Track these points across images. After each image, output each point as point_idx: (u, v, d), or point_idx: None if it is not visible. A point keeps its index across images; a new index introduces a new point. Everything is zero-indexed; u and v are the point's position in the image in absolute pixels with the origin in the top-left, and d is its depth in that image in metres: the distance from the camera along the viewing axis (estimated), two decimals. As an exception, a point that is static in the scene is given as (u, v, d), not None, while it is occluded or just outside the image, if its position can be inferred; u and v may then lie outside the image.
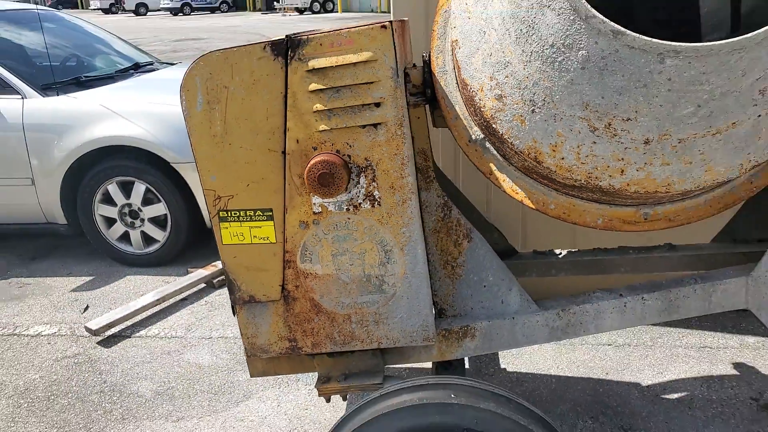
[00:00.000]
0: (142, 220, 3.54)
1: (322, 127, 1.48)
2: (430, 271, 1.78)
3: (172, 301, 3.19)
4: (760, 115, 1.26)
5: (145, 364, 2.64)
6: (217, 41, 16.61)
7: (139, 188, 3.44)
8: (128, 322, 2.98)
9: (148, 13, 36.56)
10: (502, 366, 2.49)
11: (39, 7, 4.43)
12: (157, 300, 3.08)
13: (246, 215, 1.60)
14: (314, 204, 1.56)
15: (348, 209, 1.56)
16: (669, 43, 1.13)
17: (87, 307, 3.17)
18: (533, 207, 1.65)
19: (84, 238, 3.70)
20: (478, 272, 1.78)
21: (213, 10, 35.87)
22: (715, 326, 2.66)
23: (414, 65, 1.72)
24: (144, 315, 3.05)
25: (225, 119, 1.52)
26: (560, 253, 2.18)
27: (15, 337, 2.92)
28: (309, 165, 1.46)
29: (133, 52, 4.76)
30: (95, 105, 3.39)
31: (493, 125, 1.47)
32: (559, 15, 1.22)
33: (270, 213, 1.59)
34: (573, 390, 2.31)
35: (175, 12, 34.44)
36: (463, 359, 2.11)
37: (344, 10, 29.36)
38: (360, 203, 1.55)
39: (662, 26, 1.94)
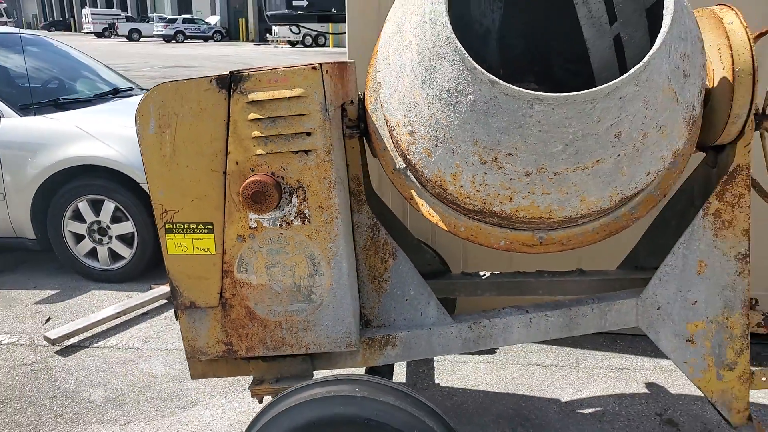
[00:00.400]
0: (110, 237, 3.70)
1: (259, 151, 1.69)
2: (359, 285, 1.98)
3: (133, 314, 3.33)
4: (619, 155, 1.50)
5: (99, 373, 2.77)
6: (207, 70, 16.91)
7: (109, 206, 3.61)
8: (87, 333, 3.11)
9: (141, 39, 37.07)
10: (437, 381, 2.66)
11: (24, 31, 4.64)
12: (118, 313, 3.22)
13: (189, 228, 1.79)
14: (251, 220, 1.76)
15: (281, 225, 1.76)
16: (534, 93, 1.37)
17: (49, 318, 3.29)
18: (446, 229, 1.87)
19: (52, 254, 3.83)
20: (401, 287, 1.98)
21: (206, 39, 36.33)
22: (636, 350, 2.87)
23: (352, 101, 1.95)
24: (104, 327, 3.19)
25: (174, 142, 1.72)
26: (484, 275, 2.40)
27: (-24, 345, 3.04)
28: (244, 184, 1.66)
29: (114, 77, 4.98)
30: (70, 126, 3.58)
31: (408, 156, 1.70)
32: (452, 66, 1.46)
33: (211, 227, 1.78)
34: (498, 404, 2.50)
35: (168, 39, 34.96)
36: (392, 368, 2.29)
37: (335, 46, 30.07)
38: (292, 220, 1.75)
39: (574, 74, 2.21)
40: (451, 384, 2.64)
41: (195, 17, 37.98)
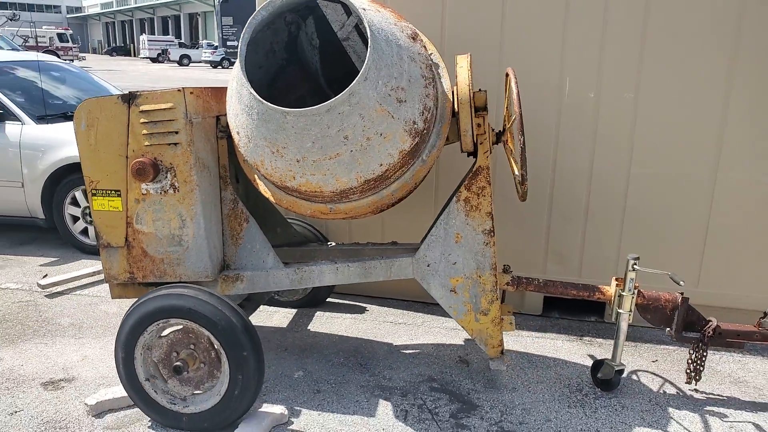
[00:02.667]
0: (99, 220, 4.74)
1: (146, 143, 2.63)
2: (223, 240, 2.88)
3: (106, 276, 4.33)
4: (352, 151, 2.36)
5: (71, 309, 3.76)
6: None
7: (99, 195, 4.65)
8: (70, 285, 4.12)
9: (191, 65, 39.51)
10: (308, 328, 3.51)
11: (41, 57, 5.87)
12: (93, 272, 4.23)
13: (106, 193, 2.74)
14: (143, 188, 2.70)
15: (161, 193, 2.68)
16: (284, 108, 2.25)
17: (46, 275, 4.32)
18: (275, 202, 2.75)
19: (56, 232, 4.90)
20: (250, 242, 2.87)
21: (250, 65, 38.00)
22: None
23: (225, 114, 2.87)
24: (83, 282, 4.19)
25: (96, 135, 2.68)
26: (331, 244, 3.25)
27: (-10, 291, 4.09)
28: (131, 163, 2.60)
29: (124, 97, 6.13)
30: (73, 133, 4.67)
31: (240, 150, 2.61)
32: (246, 91, 2.37)
33: (119, 192, 2.72)
34: (345, 343, 3.32)
35: (214, 65, 37.05)
36: (259, 302, 3.17)
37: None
38: (167, 190, 2.68)
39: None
40: (319, 330, 3.48)
41: (242, 44, 40.17)
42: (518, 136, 2.48)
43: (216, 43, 40.50)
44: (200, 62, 38.90)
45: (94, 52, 67.45)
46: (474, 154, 2.75)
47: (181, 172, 2.64)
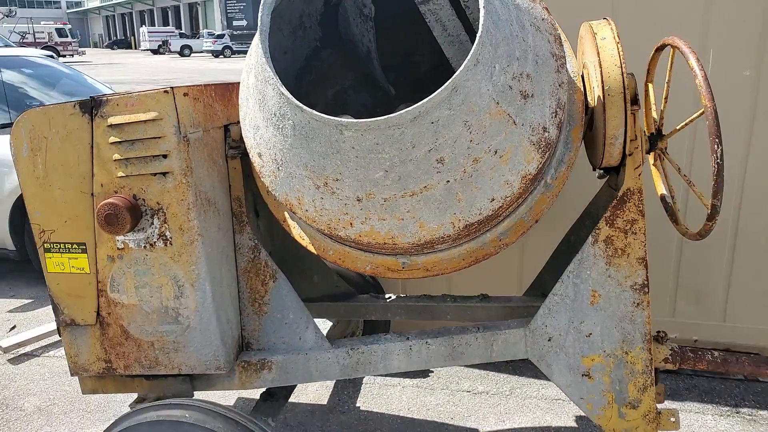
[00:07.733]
0: (83, 250, 3.84)
1: (120, 173, 1.71)
2: (240, 306, 1.97)
3: (92, 326, 3.43)
4: (449, 181, 1.43)
5: (40, 382, 2.87)
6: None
7: (81, 220, 3.75)
8: (42, 342, 3.23)
9: (192, 55, 38.53)
10: (358, 404, 2.61)
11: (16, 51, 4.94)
12: (74, 324, 3.33)
13: (65, 247, 1.84)
14: (117, 240, 1.78)
15: (145, 246, 1.77)
16: (340, 119, 1.33)
17: (14, 326, 3.44)
18: (315, 252, 1.84)
19: (32, 265, 4.01)
20: (280, 310, 1.96)
21: (253, 53, 37.24)
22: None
23: (238, 122, 1.94)
24: (57, 337, 3.30)
25: (45, 164, 1.77)
26: (389, 297, 2.33)
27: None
28: (98, 207, 1.69)
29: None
30: (44, 144, 3.75)
31: (263, 179, 1.68)
32: (273, 89, 1.44)
33: (84, 246, 1.82)
34: (410, 431, 2.42)
35: (216, 54, 36.18)
36: (290, 391, 2.25)
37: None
38: (155, 242, 1.76)
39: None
40: (371, 408, 2.58)
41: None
42: (713, 145, 1.53)
43: (217, 32, 39.39)
44: (201, 52, 37.84)
45: (95, 46, 66.56)
46: (616, 170, 1.83)
47: (175, 214, 1.72)
